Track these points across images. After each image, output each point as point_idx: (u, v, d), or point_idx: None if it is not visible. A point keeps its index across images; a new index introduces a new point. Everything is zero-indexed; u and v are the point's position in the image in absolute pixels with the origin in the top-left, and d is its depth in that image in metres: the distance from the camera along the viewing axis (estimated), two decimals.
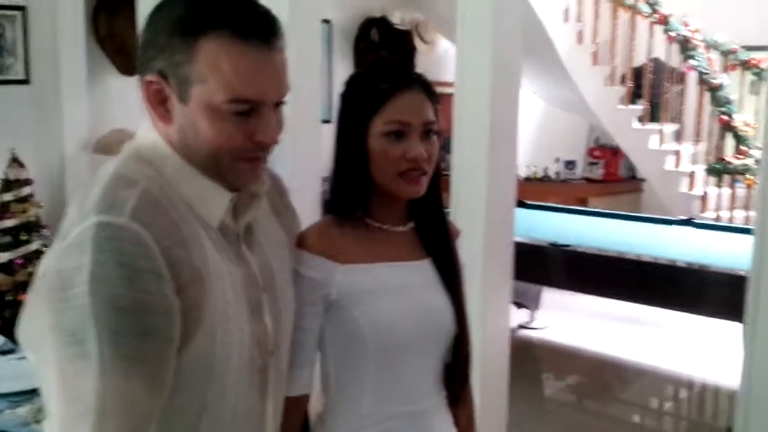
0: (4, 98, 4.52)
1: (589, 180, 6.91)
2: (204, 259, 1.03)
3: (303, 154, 2.58)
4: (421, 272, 1.34)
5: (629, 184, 6.91)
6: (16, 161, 4.16)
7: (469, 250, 2.49)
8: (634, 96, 6.43)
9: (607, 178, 6.92)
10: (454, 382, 1.37)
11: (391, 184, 1.28)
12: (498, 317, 2.72)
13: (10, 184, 4.14)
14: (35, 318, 0.99)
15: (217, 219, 1.08)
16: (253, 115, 1.04)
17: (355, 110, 1.29)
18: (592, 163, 7.11)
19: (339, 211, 1.33)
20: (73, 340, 0.93)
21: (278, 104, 1.07)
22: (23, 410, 1.97)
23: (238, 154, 1.05)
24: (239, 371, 1.08)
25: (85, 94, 4.71)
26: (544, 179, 7.02)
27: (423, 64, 6.61)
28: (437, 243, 1.37)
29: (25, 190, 4.17)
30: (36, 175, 4.31)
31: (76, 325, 0.93)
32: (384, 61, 1.38)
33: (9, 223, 4.12)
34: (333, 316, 1.29)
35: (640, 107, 6.19)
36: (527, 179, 6.96)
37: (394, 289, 1.30)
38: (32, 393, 2.00)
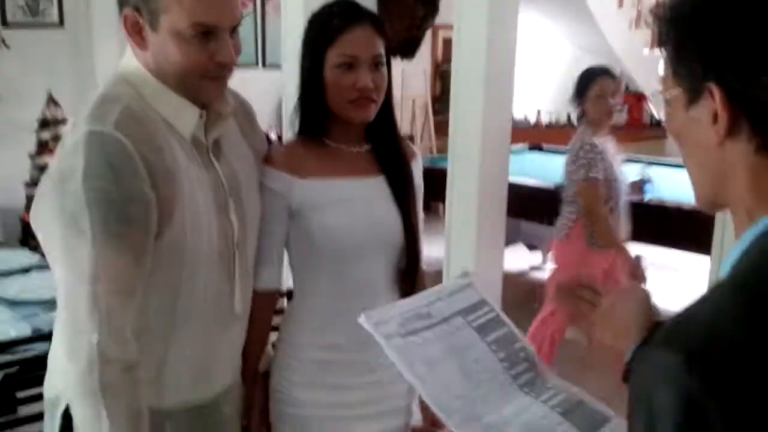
0: (40, 41, 4.74)
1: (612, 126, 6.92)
2: (175, 163, 1.26)
3: None
4: (374, 187, 1.53)
5: (653, 130, 6.89)
6: (52, 101, 4.39)
7: (464, 192, 2.63)
8: None
9: (631, 123, 6.91)
10: (404, 283, 1.57)
11: (344, 110, 1.46)
12: (492, 259, 2.82)
13: (47, 123, 4.37)
14: (42, 206, 1.26)
15: (189, 131, 1.31)
16: (212, 39, 1.25)
17: (312, 45, 1.48)
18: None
19: (304, 133, 1.52)
20: (72, 222, 1.18)
21: (233, 31, 1.28)
22: (54, 314, 2.24)
23: (202, 73, 1.27)
24: (209, 257, 1.33)
25: (116, 37, 4.88)
26: (566, 125, 7.05)
27: (447, 7, 6.64)
28: (390, 162, 1.55)
29: (62, 129, 4.40)
30: (72, 114, 4.53)
31: (74, 209, 1.18)
32: (338, 1, 1.55)
33: (48, 159, 4.33)
34: (294, 224, 1.49)
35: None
36: (548, 126, 7.00)
37: (347, 202, 1.49)
38: None
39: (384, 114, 1.51)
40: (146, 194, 1.21)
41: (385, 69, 1.47)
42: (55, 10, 4.80)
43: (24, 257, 2.85)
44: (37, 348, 1.99)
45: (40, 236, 1.28)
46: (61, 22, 4.84)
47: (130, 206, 1.20)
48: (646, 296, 1.06)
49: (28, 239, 4.31)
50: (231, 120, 1.41)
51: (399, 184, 1.55)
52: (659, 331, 0.72)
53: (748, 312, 0.68)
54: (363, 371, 1.53)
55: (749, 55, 0.72)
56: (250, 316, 1.49)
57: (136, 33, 1.27)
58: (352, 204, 1.50)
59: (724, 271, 0.76)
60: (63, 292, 1.22)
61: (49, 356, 1.42)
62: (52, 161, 1.27)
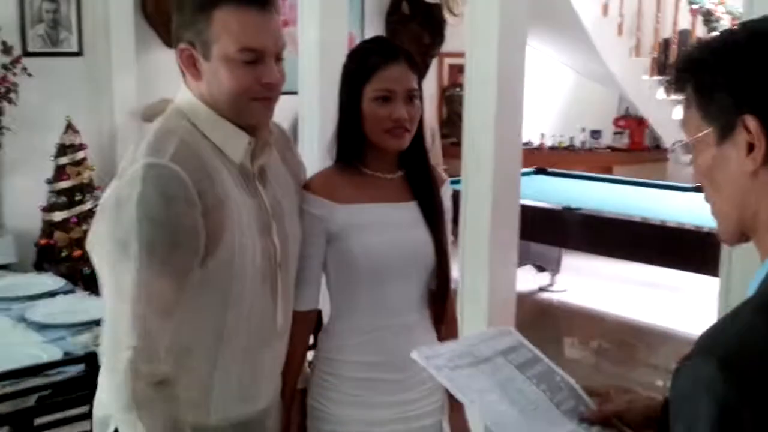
0: (60, 69, 4.88)
1: (614, 149, 7.03)
2: (225, 190, 1.37)
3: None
4: (408, 212, 1.64)
5: (654, 153, 6.98)
6: (71, 127, 4.50)
7: (477, 213, 2.71)
8: (663, 67, 6.54)
9: (632, 147, 7.00)
10: (435, 303, 1.67)
11: (380, 139, 1.58)
12: (505, 279, 2.86)
13: (65, 149, 4.47)
14: (97, 232, 1.36)
15: (239, 157, 1.42)
16: (260, 64, 1.37)
17: (351, 79, 1.60)
18: (617, 133, 7.22)
19: (341, 161, 1.64)
20: (121, 247, 1.28)
21: (278, 58, 1.41)
22: (83, 337, 2.31)
23: (251, 95, 1.38)
24: (254, 277, 1.42)
25: (133, 66, 5.05)
26: (569, 148, 7.17)
27: (452, 36, 6.81)
28: (422, 188, 1.66)
29: (80, 155, 4.52)
30: (89, 140, 4.66)
31: (124, 235, 1.27)
32: (375, 39, 1.72)
33: (65, 184, 4.46)
34: (333, 246, 1.60)
35: (665, 78, 6.31)
36: (552, 148, 7.11)
37: (383, 225, 1.60)
38: (91, 324, 2.36)
39: (416, 143, 1.62)
40: (196, 221, 1.30)
41: (418, 102, 1.59)
42: (74, 40, 4.94)
43: (49, 281, 2.90)
44: (68, 371, 2.04)
45: (95, 259, 1.37)
46: (80, 51, 4.98)
47: (179, 233, 1.29)
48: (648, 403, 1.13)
49: (42, 264, 4.40)
50: (273, 148, 1.52)
51: (430, 210, 1.65)
52: (696, 343, 0.78)
53: None
54: (398, 389, 1.61)
55: None
56: (290, 335, 1.57)
57: (191, 65, 1.39)
58: (388, 227, 1.60)
59: (752, 289, 0.83)
60: (108, 312, 1.30)
61: (100, 375, 1.47)
62: (108, 191, 1.37)
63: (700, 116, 0.87)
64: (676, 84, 0.89)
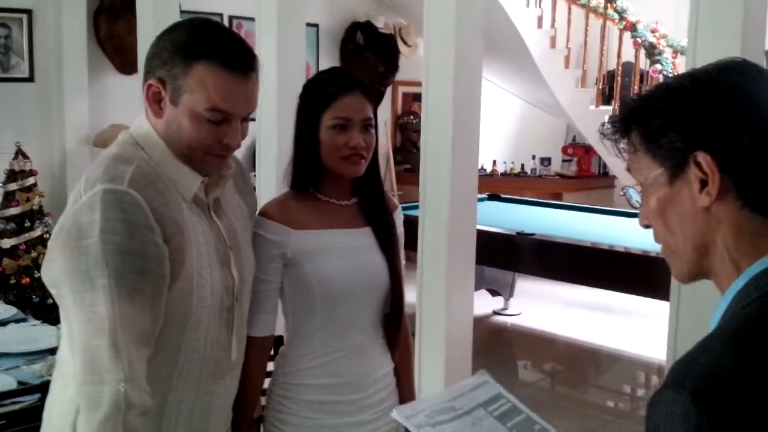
0: (11, 95, 4.80)
1: (563, 176, 7.21)
2: (183, 218, 1.36)
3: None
4: (362, 237, 1.67)
5: (601, 180, 7.19)
6: (21, 153, 4.40)
7: (434, 239, 2.76)
8: (608, 98, 6.76)
9: (581, 174, 7.19)
10: (389, 326, 1.71)
11: (337, 166, 1.61)
12: (462, 303, 2.89)
13: (15, 175, 4.38)
14: (54, 263, 1.31)
15: (191, 194, 1.40)
16: (225, 124, 1.36)
17: (309, 108, 1.63)
18: (566, 160, 7.41)
19: (296, 188, 1.66)
20: (87, 277, 1.23)
21: (245, 118, 1.40)
22: (37, 366, 2.27)
23: (208, 150, 1.37)
24: (212, 308, 1.40)
25: (85, 92, 4.99)
26: (521, 175, 7.33)
27: (406, 66, 6.94)
28: (376, 214, 1.69)
29: (29, 181, 4.41)
30: (39, 166, 4.57)
31: (90, 265, 1.23)
32: (332, 69, 1.76)
33: (14, 210, 4.36)
34: (289, 272, 1.62)
35: (610, 108, 6.52)
36: (504, 174, 7.26)
37: (338, 250, 1.63)
38: (45, 352, 2.32)
39: (370, 170, 1.66)
40: (160, 246, 1.28)
41: (373, 131, 1.63)
42: (26, 65, 4.88)
43: (0, 309, 2.83)
44: (23, 400, 1.99)
45: (54, 292, 1.32)
46: (32, 77, 4.92)
47: (146, 259, 1.26)
48: None
49: None
50: (228, 179, 1.51)
51: (383, 235, 1.69)
52: (667, 375, 0.80)
53: (740, 355, 0.77)
54: (355, 411, 1.63)
55: (726, 122, 0.85)
56: (246, 362, 1.55)
57: (155, 102, 1.36)
58: (343, 252, 1.63)
59: (715, 320, 0.87)
60: (80, 346, 1.24)
61: (47, 411, 1.44)
62: (62, 218, 1.32)
63: (650, 159, 0.90)
64: (620, 132, 0.93)
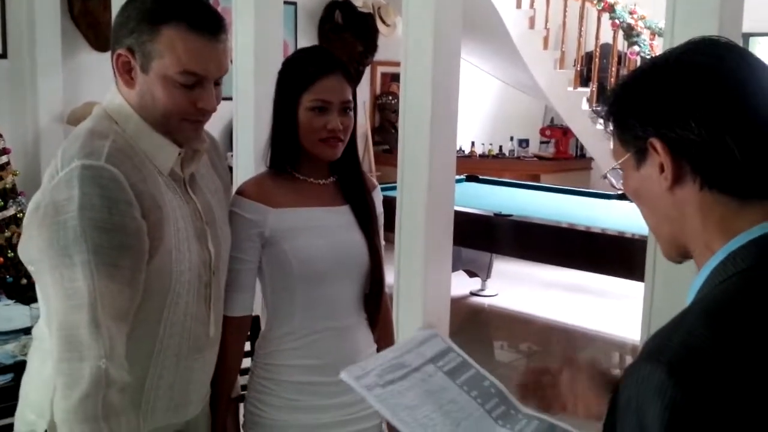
0: None
1: (540, 158, 7.24)
2: (160, 193, 1.35)
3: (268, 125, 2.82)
4: (340, 216, 1.67)
5: (578, 162, 7.24)
6: None
7: (412, 219, 2.76)
8: (586, 80, 6.79)
9: (558, 156, 7.24)
10: (369, 305, 1.70)
11: (314, 147, 1.61)
12: (439, 284, 2.89)
13: None
14: (31, 240, 1.30)
15: (168, 167, 1.39)
16: (198, 87, 1.34)
17: (288, 88, 1.62)
18: (543, 142, 7.45)
19: (274, 167, 1.65)
20: (66, 253, 1.23)
21: (218, 83, 1.39)
22: (10, 346, 2.25)
23: (184, 116, 1.36)
24: (190, 283, 1.41)
25: (59, 69, 4.91)
26: (499, 156, 7.35)
27: (384, 45, 6.90)
28: (354, 193, 1.69)
29: (2, 159, 4.31)
30: (12, 144, 4.49)
31: (68, 241, 1.22)
32: (312, 49, 1.74)
33: None
34: (267, 251, 1.61)
35: (588, 90, 6.55)
36: (482, 156, 7.28)
37: (316, 228, 1.62)
38: (18, 332, 2.29)
39: (348, 150, 1.66)
40: (138, 222, 1.27)
41: (352, 113, 1.63)
42: None
43: None
44: None
45: (32, 269, 1.32)
46: (5, 53, 4.81)
47: (124, 235, 1.26)
48: (592, 364, 1.18)
49: None
50: (204, 155, 1.51)
51: (362, 213, 1.68)
52: (642, 349, 0.82)
53: (716, 329, 0.77)
54: (338, 392, 1.61)
55: (674, 106, 0.86)
56: (223, 342, 1.55)
57: (126, 72, 1.35)
58: (322, 230, 1.62)
59: (690, 296, 0.88)
60: (58, 322, 1.23)
61: (23, 389, 1.43)
62: (38, 195, 1.30)
63: (620, 144, 0.94)
64: (605, 118, 0.96)
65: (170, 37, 1.31)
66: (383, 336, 1.78)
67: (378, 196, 1.77)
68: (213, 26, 1.34)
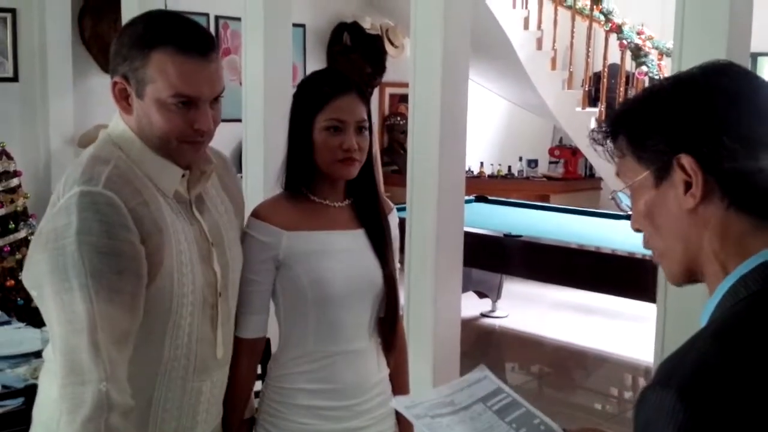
0: None
1: (549, 178, 7.22)
2: (161, 217, 1.36)
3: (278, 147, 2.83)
4: (355, 239, 1.65)
5: (588, 182, 7.22)
6: (5, 154, 4.38)
7: (422, 240, 2.76)
8: (594, 99, 6.80)
9: (567, 176, 7.21)
10: (384, 330, 1.69)
11: (330, 168, 1.60)
12: (449, 305, 2.89)
13: None
14: (34, 265, 1.32)
15: (172, 189, 1.40)
16: (193, 109, 1.35)
17: (303, 109, 1.61)
18: (552, 162, 7.44)
19: (289, 189, 1.65)
20: (66, 278, 1.24)
21: (216, 101, 1.39)
22: (21, 369, 2.25)
23: (181, 138, 1.37)
24: (194, 305, 1.41)
25: (70, 92, 4.96)
26: (508, 176, 7.34)
27: (393, 67, 6.94)
28: (369, 216, 1.68)
29: (14, 182, 4.40)
30: (23, 167, 4.55)
31: (67, 266, 1.24)
32: (327, 70, 1.72)
33: None
34: (281, 273, 1.60)
35: (596, 110, 6.55)
36: (491, 176, 7.27)
37: (330, 252, 1.61)
38: (29, 356, 2.29)
39: (365, 172, 1.64)
40: (136, 246, 1.28)
41: (367, 133, 1.62)
42: (10, 65, 4.84)
43: None
44: (7, 404, 1.98)
45: (34, 294, 1.32)
46: (16, 76, 4.88)
47: (122, 259, 1.26)
48: None
49: None
50: (212, 175, 1.51)
51: (377, 237, 1.67)
52: (656, 373, 0.82)
53: (726, 353, 0.78)
54: (348, 417, 1.60)
55: (706, 123, 0.86)
56: (235, 364, 1.55)
57: (123, 99, 1.37)
58: (336, 254, 1.61)
59: (704, 319, 0.88)
60: (60, 346, 1.24)
61: (35, 410, 1.43)
62: (42, 222, 1.33)
63: (636, 162, 0.92)
64: (609, 137, 0.94)
65: (160, 62, 1.32)
66: (398, 362, 1.76)
67: (394, 219, 1.76)
68: (202, 47, 1.35)
